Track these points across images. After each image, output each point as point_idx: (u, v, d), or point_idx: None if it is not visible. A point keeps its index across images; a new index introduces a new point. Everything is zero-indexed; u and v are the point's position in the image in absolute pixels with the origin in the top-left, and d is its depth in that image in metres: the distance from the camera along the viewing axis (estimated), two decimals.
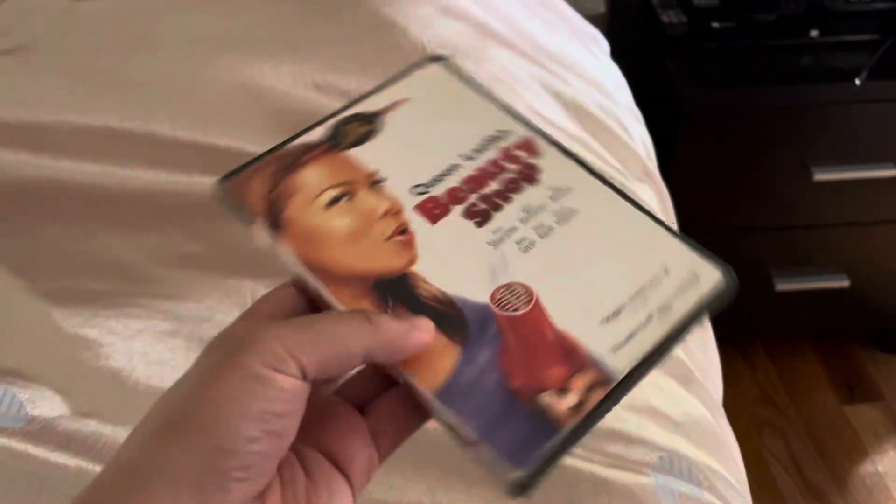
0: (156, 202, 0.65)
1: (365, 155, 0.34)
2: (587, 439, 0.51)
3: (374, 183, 0.33)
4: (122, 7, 0.77)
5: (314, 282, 0.30)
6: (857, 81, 1.10)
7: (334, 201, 0.32)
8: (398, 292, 0.30)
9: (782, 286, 1.27)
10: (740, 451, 0.64)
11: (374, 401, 0.30)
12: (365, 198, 0.32)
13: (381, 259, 0.30)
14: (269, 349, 0.26)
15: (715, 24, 1.14)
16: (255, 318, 0.29)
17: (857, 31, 1.16)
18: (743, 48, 1.16)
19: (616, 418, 0.53)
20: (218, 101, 0.70)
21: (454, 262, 0.31)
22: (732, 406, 0.75)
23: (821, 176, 1.16)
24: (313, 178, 0.33)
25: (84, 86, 0.70)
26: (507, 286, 0.30)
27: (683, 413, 0.56)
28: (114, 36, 0.75)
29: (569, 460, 0.50)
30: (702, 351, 0.68)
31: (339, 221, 0.31)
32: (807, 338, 1.48)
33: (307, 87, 0.70)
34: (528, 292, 0.29)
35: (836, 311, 1.36)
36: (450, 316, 0.29)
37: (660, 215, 0.75)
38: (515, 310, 0.29)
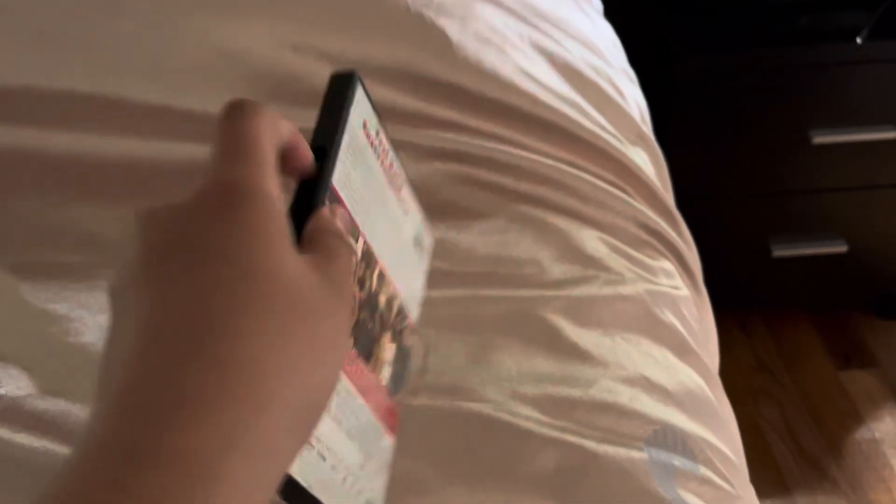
0: (130, 170, 0.63)
1: None
2: (578, 412, 0.49)
3: None
4: None
5: None
6: (858, 41, 1.07)
7: None
8: None
9: (779, 252, 1.25)
10: (735, 419, 0.62)
11: None
12: None
13: None
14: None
15: None
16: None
17: None
18: (740, 9, 1.13)
19: (607, 390, 0.51)
20: (191, 64, 0.67)
21: None
22: (728, 374, 0.73)
23: (820, 139, 1.14)
24: None
25: (53, 50, 0.67)
26: None
27: (678, 383, 0.54)
28: None
29: (558, 435, 0.48)
30: (696, 319, 0.65)
31: None
32: (803, 305, 1.46)
33: (284, 48, 0.67)
34: None
35: (834, 278, 1.34)
36: None
37: (654, 179, 0.73)
38: None
